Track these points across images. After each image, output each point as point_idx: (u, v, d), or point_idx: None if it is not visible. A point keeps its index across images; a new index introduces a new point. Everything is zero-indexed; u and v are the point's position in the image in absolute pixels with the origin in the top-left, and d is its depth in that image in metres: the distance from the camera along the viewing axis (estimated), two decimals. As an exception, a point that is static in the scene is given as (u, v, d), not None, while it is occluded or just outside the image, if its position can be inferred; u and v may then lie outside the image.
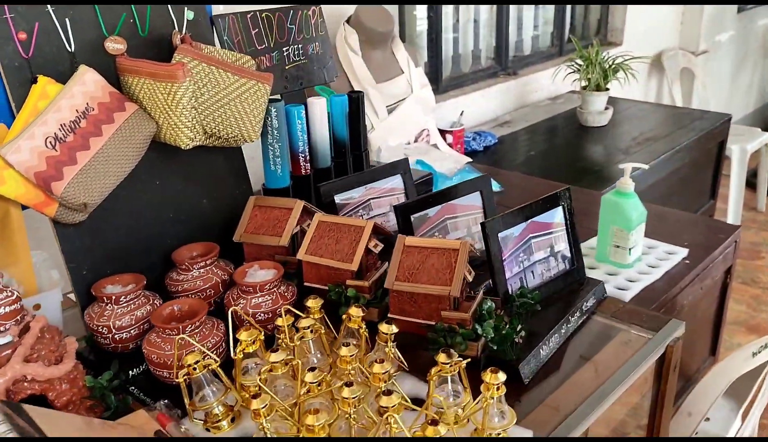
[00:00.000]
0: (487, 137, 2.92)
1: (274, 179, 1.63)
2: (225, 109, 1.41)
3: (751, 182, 4.32)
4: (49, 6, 1.27)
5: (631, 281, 1.67)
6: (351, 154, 1.77)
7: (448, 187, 1.51)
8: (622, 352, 1.28)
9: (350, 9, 2.48)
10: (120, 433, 1.01)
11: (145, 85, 1.32)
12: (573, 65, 3.20)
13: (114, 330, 1.24)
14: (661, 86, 4.62)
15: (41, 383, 1.05)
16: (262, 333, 1.13)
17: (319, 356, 1.17)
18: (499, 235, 1.31)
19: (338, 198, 1.56)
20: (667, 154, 2.79)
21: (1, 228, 1.29)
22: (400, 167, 1.66)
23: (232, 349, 1.10)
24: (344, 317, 1.18)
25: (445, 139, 2.72)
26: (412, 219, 1.43)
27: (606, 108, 3.15)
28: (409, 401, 1.00)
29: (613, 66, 3.13)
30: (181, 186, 1.49)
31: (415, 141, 2.61)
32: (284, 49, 1.68)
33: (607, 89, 3.13)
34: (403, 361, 1.16)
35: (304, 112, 1.64)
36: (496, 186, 2.27)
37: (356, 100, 1.72)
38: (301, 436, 0.98)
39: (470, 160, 2.60)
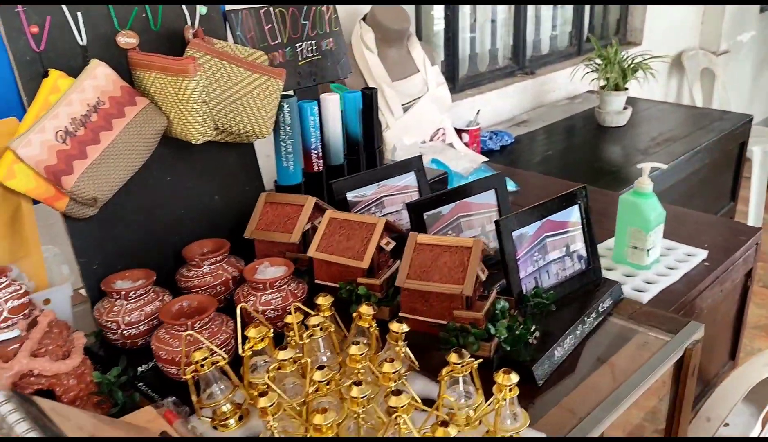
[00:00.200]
0: (503, 137, 2.90)
1: (286, 176, 1.61)
2: (237, 105, 1.39)
3: (773, 184, 4.24)
4: (60, -1, 1.27)
5: (649, 283, 1.64)
6: (364, 152, 1.75)
7: (462, 184, 1.48)
8: (639, 354, 1.25)
9: (366, 7, 2.46)
10: (126, 432, 1.00)
11: (157, 79, 1.31)
12: (591, 64, 3.17)
13: (123, 326, 1.23)
14: (681, 87, 4.56)
15: (48, 377, 1.04)
16: (271, 330, 1.11)
17: (328, 354, 1.15)
18: (514, 233, 1.28)
19: (350, 195, 1.54)
20: (687, 155, 2.75)
21: (11, 222, 1.29)
22: (413, 165, 1.64)
23: (240, 346, 1.08)
24: (355, 315, 1.16)
25: (461, 138, 2.70)
26: (425, 217, 1.41)
27: (625, 108, 3.11)
28: (419, 401, 0.98)
29: (632, 65, 3.09)
30: (192, 182, 1.48)
31: (431, 140, 2.59)
32: (297, 45, 1.67)
33: (626, 89, 3.09)
34: (414, 360, 1.14)
35: (317, 108, 1.62)
36: (512, 185, 2.24)
37: (370, 97, 1.70)
38: (308, 436, 0.97)
39: (486, 159, 2.57)
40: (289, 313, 1.14)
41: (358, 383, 0.96)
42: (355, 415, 0.96)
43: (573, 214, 1.39)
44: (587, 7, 3.80)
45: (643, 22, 4.08)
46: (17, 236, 1.30)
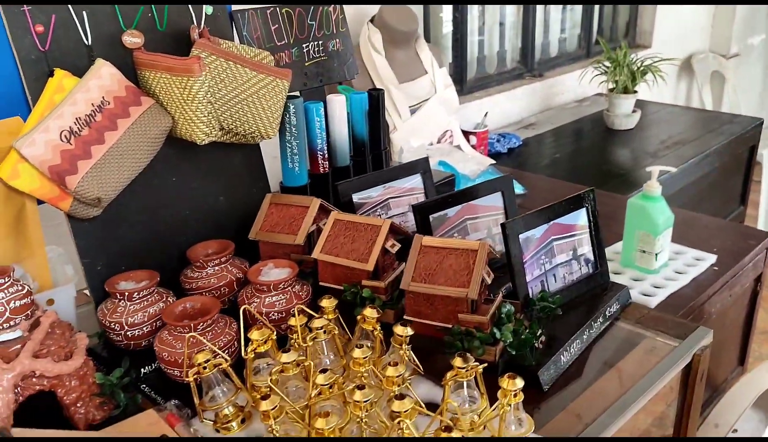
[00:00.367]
0: (511, 139, 2.88)
1: (292, 177, 1.60)
2: (242, 105, 1.39)
3: (783, 189, 4.21)
4: (66, -2, 1.26)
5: (657, 287, 1.62)
6: (370, 153, 1.74)
7: (469, 187, 1.47)
8: (647, 360, 1.23)
9: (374, 8, 2.45)
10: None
11: (162, 79, 1.31)
12: (600, 67, 3.15)
13: (126, 327, 1.22)
14: (691, 90, 4.53)
15: (50, 379, 1.03)
16: (275, 333, 1.10)
17: (332, 357, 1.14)
18: (520, 236, 1.27)
19: (356, 197, 1.53)
20: (696, 158, 2.72)
21: (16, 222, 1.28)
22: (419, 167, 1.62)
23: (243, 348, 1.07)
24: (359, 318, 1.15)
25: (468, 140, 2.69)
26: (431, 219, 1.40)
27: (633, 111, 3.09)
28: (423, 406, 0.97)
29: (642, 68, 3.07)
30: (197, 183, 1.47)
31: (438, 142, 2.58)
32: (304, 45, 1.66)
33: (635, 92, 3.07)
34: (419, 364, 1.13)
35: (323, 109, 1.61)
36: (519, 188, 2.23)
37: (376, 98, 1.69)
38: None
39: (494, 162, 2.56)
40: (293, 315, 1.13)
41: (361, 387, 0.95)
42: (358, 419, 0.95)
43: (580, 218, 1.38)
44: (596, 10, 3.78)
45: (653, 24, 4.06)
46: (21, 235, 1.30)
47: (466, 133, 2.69)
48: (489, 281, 1.20)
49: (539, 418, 1.07)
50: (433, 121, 2.55)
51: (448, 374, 1.00)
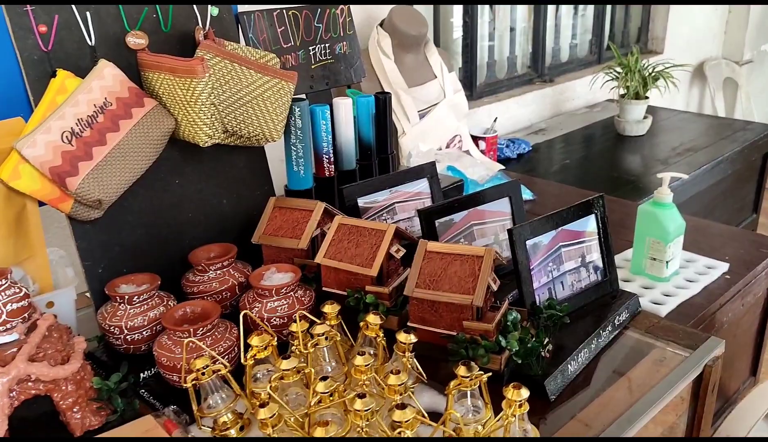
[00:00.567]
0: (521, 145, 2.85)
1: (297, 181, 1.59)
2: (247, 107, 1.37)
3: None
4: (69, -2, 1.25)
5: (667, 296, 1.59)
6: (377, 157, 1.72)
7: (476, 192, 1.45)
8: (656, 370, 1.20)
9: (383, 12, 2.43)
10: None
11: (165, 80, 1.29)
12: (611, 73, 3.12)
13: (126, 331, 1.21)
14: (703, 96, 4.49)
15: (46, 383, 1.02)
16: (275, 339, 1.08)
17: (333, 364, 1.12)
18: (528, 242, 1.24)
19: (362, 201, 1.51)
20: (709, 165, 2.69)
21: (17, 224, 1.27)
22: (426, 171, 1.60)
23: (242, 354, 1.05)
24: (362, 324, 1.13)
25: (477, 145, 2.66)
26: (437, 224, 1.37)
27: (645, 117, 3.06)
28: (426, 415, 0.94)
29: (653, 74, 3.03)
30: (201, 185, 1.45)
31: (447, 147, 2.56)
32: (311, 48, 1.64)
33: (647, 98, 3.04)
34: (422, 372, 1.10)
35: (328, 112, 1.59)
36: (528, 194, 2.20)
37: (383, 102, 1.67)
38: (310, 448, 0.93)
39: (503, 167, 2.53)
40: (295, 321, 1.11)
41: (362, 396, 0.92)
42: (359, 428, 0.92)
43: (589, 224, 1.35)
44: (608, 16, 3.76)
45: (665, 30, 4.03)
46: (22, 237, 1.28)
47: (475, 138, 2.67)
48: (495, 287, 1.17)
49: (545, 429, 1.04)
50: (442, 125, 2.53)
51: (452, 383, 0.98)
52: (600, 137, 3.10)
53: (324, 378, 0.97)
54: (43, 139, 1.18)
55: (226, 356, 1.13)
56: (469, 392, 0.98)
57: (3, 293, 1.01)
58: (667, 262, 1.61)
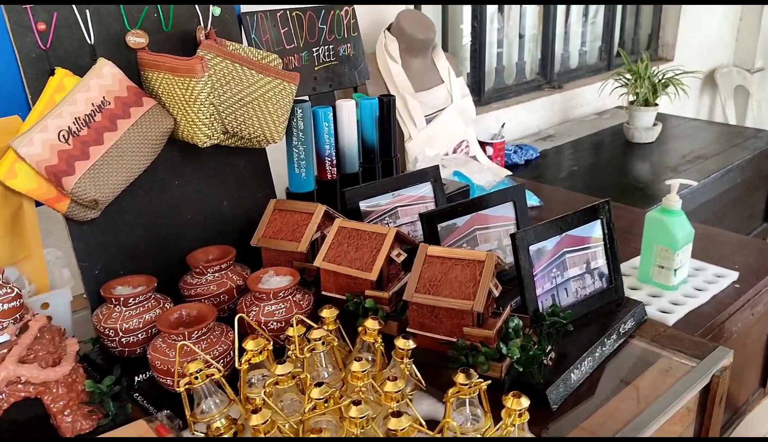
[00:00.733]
0: (528, 151, 2.83)
1: (298, 183, 1.56)
2: (248, 108, 1.35)
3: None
4: (68, -4, 1.24)
5: (675, 304, 1.56)
6: (380, 160, 1.70)
7: (479, 196, 1.42)
8: (663, 380, 1.17)
9: (391, 16, 2.41)
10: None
11: (165, 80, 1.28)
12: (621, 79, 3.09)
13: (121, 333, 1.19)
14: (714, 104, 4.45)
15: (36, 385, 1.00)
16: (271, 343, 1.06)
17: (330, 370, 1.09)
18: (531, 248, 1.22)
19: (363, 205, 1.48)
20: (719, 173, 2.65)
21: (13, 223, 1.25)
22: (430, 174, 1.58)
23: (236, 359, 1.03)
24: (360, 329, 1.11)
25: (485, 151, 2.63)
26: (439, 228, 1.35)
27: (654, 124, 3.02)
28: (423, 423, 0.92)
29: (663, 80, 3.00)
30: (201, 186, 1.43)
31: (454, 152, 2.53)
32: (314, 49, 1.62)
33: (656, 105, 3.00)
34: (421, 379, 1.08)
35: (331, 114, 1.57)
36: (534, 200, 2.17)
37: (387, 104, 1.65)
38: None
39: (510, 173, 2.50)
40: (293, 325, 1.08)
41: (357, 403, 0.90)
42: (354, 436, 0.90)
43: (595, 230, 1.32)
44: (618, 22, 3.73)
45: (676, 37, 3.99)
46: (18, 237, 1.27)
47: (482, 144, 2.64)
48: (496, 293, 1.15)
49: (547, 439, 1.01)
50: (449, 130, 2.51)
51: (450, 391, 0.95)
52: (609, 144, 3.07)
53: (319, 384, 0.94)
54: (39, 138, 1.16)
55: (222, 360, 1.11)
56: (468, 400, 0.96)
57: (-6, 293, 1.00)
58: (675, 270, 1.58)
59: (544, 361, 1.11)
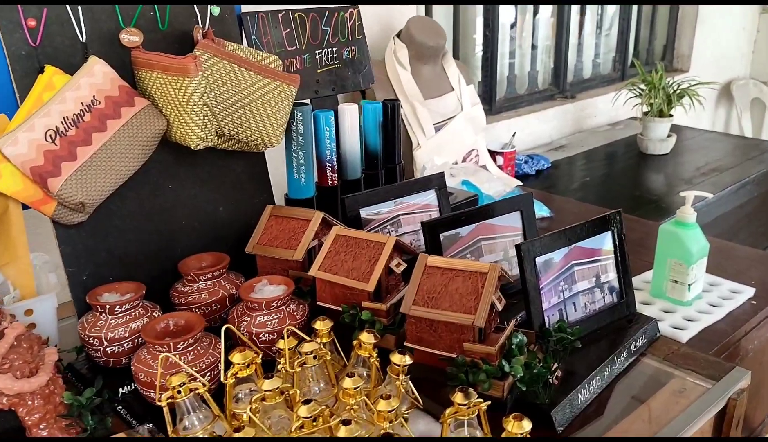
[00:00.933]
0: (540, 161, 2.77)
1: (298, 189, 1.51)
2: (245, 111, 1.30)
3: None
4: (59, -9, 1.19)
5: (689, 321, 1.49)
6: (384, 167, 1.65)
7: (485, 205, 1.36)
8: (676, 402, 1.11)
9: (401, 23, 2.37)
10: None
11: (158, 79, 1.23)
12: (635, 89, 3.02)
13: (106, 342, 1.14)
14: (730, 117, 4.37)
15: (10, 397, 0.95)
16: (260, 356, 1.00)
17: (322, 385, 1.03)
18: (538, 260, 1.16)
19: (364, 212, 1.43)
20: (735, 186, 2.58)
21: (-2, 226, 1.21)
22: (434, 182, 1.52)
23: (222, 372, 0.97)
24: (355, 343, 1.05)
25: (495, 160, 2.58)
26: (442, 238, 1.29)
27: (669, 135, 2.95)
28: (417, 445, 0.86)
29: (678, 91, 2.93)
30: (195, 191, 1.39)
31: (463, 161, 2.47)
32: (317, 51, 1.57)
33: (671, 116, 2.94)
34: (418, 397, 1.01)
35: (332, 118, 1.52)
36: (545, 211, 2.11)
37: (391, 109, 1.60)
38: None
39: (520, 183, 2.44)
40: (284, 337, 1.03)
41: (347, 423, 0.84)
42: (345, 454, 0.84)
43: (605, 242, 1.26)
44: (632, 33, 3.66)
45: (691, 48, 3.92)
46: (5, 239, 1.22)
47: (492, 153, 2.58)
48: (500, 307, 1.09)
49: (551, 464, 0.95)
50: (458, 139, 2.45)
51: (447, 411, 0.89)
52: (622, 155, 3.01)
53: (307, 401, 0.89)
54: (25, 138, 1.12)
55: (209, 373, 1.06)
56: (466, 422, 0.90)
57: (-31, 299, 0.95)
58: (689, 285, 1.51)
59: (550, 380, 1.05)
